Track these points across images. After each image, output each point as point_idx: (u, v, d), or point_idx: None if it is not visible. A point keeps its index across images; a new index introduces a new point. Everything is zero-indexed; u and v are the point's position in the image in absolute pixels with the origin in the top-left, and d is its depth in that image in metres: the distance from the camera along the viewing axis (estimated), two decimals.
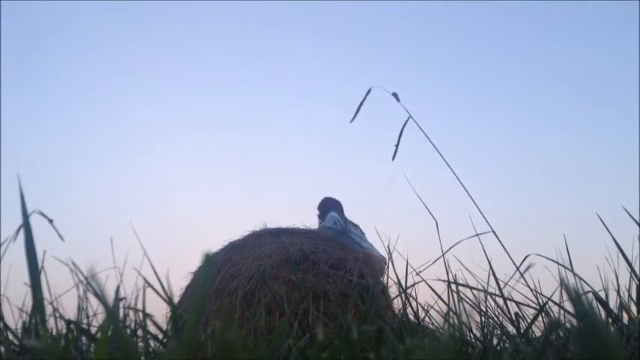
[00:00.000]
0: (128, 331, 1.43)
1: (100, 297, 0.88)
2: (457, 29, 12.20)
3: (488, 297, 1.90)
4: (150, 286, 1.32)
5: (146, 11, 11.49)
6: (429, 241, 1.99)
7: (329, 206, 5.43)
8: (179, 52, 12.30)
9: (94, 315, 1.68)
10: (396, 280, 1.98)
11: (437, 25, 12.43)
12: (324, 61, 12.67)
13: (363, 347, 1.11)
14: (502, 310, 1.81)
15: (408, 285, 1.95)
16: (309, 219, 6.89)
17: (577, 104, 12.29)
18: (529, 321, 1.77)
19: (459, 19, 12.08)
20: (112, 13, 11.14)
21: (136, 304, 1.49)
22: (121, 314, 1.41)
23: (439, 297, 1.88)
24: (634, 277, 1.70)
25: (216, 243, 6.71)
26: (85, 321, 1.61)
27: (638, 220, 1.64)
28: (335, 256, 6.19)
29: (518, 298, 1.86)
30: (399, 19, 12.18)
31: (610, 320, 1.54)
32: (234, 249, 6.38)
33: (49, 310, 1.53)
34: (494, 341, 1.84)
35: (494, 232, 1.80)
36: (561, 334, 1.64)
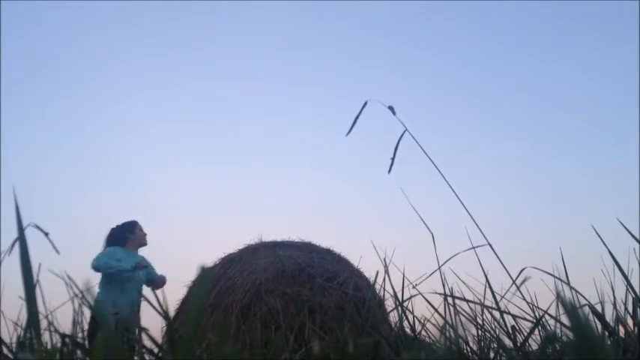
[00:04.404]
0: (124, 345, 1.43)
1: (95, 311, 0.88)
2: (453, 42, 12.27)
3: (485, 310, 1.90)
4: (145, 299, 1.31)
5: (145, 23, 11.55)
6: (425, 254, 1.99)
7: None
8: (180, 68, 12.34)
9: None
10: (392, 293, 1.97)
11: (432, 39, 12.51)
12: (320, 74, 12.71)
13: None
14: (499, 323, 1.81)
15: (405, 298, 1.95)
16: (304, 232, 6.86)
17: (574, 117, 12.34)
18: (525, 334, 1.76)
19: (454, 34, 12.15)
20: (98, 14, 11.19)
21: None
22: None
23: (435, 310, 1.87)
24: (630, 290, 1.70)
25: (211, 256, 6.70)
26: (80, 335, 1.61)
27: (634, 233, 1.64)
28: (330, 269, 6.18)
29: (514, 311, 1.85)
30: (394, 33, 12.25)
31: (606, 333, 1.54)
32: (229, 263, 6.37)
33: (43, 323, 1.52)
34: (491, 354, 1.83)
35: (490, 245, 1.80)
36: (558, 348, 1.64)
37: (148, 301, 1.31)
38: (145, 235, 5.58)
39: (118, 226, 5.57)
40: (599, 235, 1.77)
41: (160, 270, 5.47)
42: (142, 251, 5.55)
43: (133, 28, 12.24)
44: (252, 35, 12.81)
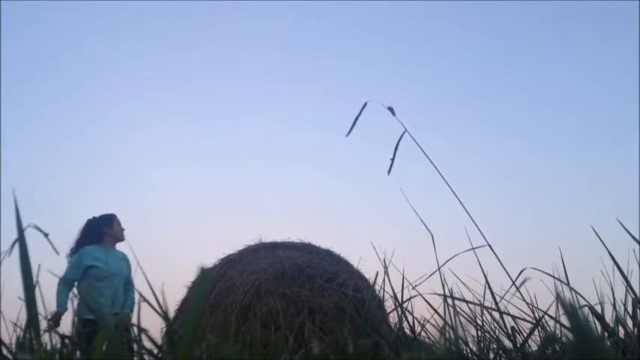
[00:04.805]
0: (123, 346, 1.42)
1: (95, 311, 0.88)
2: (453, 42, 12.28)
3: (485, 311, 1.90)
4: (145, 300, 1.31)
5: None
6: (425, 255, 1.99)
7: None
8: (180, 68, 12.35)
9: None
10: (392, 294, 1.97)
11: (432, 39, 12.51)
12: (320, 74, 12.72)
13: None
14: (498, 324, 1.81)
15: (404, 299, 1.95)
16: (303, 233, 6.87)
17: (574, 117, 12.35)
18: (525, 335, 1.76)
19: (454, 34, 12.16)
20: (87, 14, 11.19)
21: (131, 318, 1.48)
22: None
23: (435, 311, 1.87)
24: (630, 290, 1.70)
25: (211, 256, 6.70)
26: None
27: (633, 234, 1.64)
28: (330, 270, 6.18)
29: (514, 312, 1.85)
30: (393, 35, 12.26)
31: (606, 334, 1.54)
32: (229, 263, 6.37)
33: (43, 324, 1.52)
34: (491, 355, 1.83)
35: (489, 246, 1.80)
36: (557, 349, 1.64)
37: (147, 302, 1.31)
38: (122, 230, 5.37)
39: (95, 218, 5.36)
40: (598, 236, 1.77)
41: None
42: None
43: (133, 28, 12.24)
44: (252, 35, 12.81)
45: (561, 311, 1.69)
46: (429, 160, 1.90)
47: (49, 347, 1.41)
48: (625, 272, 1.72)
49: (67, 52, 12.02)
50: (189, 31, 12.74)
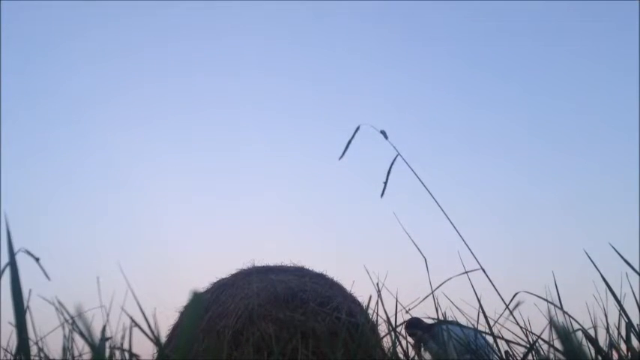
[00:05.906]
0: None
1: (86, 337, 0.87)
2: (443, 67, 12.38)
3: (478, 335, 1.89)
4: (136, 325, 1.30)
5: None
6: (418, 279, 1.98)
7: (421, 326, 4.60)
8: (163, 110, 12.39)
9: (80, 355, 1.66)
10: (385, 318, 1.96)
11: (422, 65, 12.62)
12: (311, 100, 12.78)
13: None
14: (492, 348, 1.80)
15: (398, 323, 1.94)
16: (296, 257, 6.85)
17: (565, 142, 12.43)
18: (519, 359, 1.76)
19: (443, 57, 12.27)
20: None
21: (122, 344, 1.47)
22: (107, 354, 1.39)
23: (428, 335, 1.86)
24: (623, 315, 1.70)
25: (204, 280, 6.66)
26: None
27: (626, 258, 1.65)
28: (324, 293, 6.14)
29: (508, 336, 1.85)
30: (386, 58, 12.36)
31: (600, 358, 1.54)
32: (222, 287, 6.32)
33: (33, 350, 1.50)
34: None
35: (483, 270, 1.79)
36: None
37: (139, 327, 1.30)
38: None
39: None
40: (591, 260, 1.77)
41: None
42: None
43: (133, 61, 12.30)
44: (248, 63, 12.89)
45: (555, 335, 1.68)
46: (422, 183, 1.90)
47: None
48: (618, 296, 1.72)
49: (66, 79, 12.05)
50: (187, 60, 12.82)
